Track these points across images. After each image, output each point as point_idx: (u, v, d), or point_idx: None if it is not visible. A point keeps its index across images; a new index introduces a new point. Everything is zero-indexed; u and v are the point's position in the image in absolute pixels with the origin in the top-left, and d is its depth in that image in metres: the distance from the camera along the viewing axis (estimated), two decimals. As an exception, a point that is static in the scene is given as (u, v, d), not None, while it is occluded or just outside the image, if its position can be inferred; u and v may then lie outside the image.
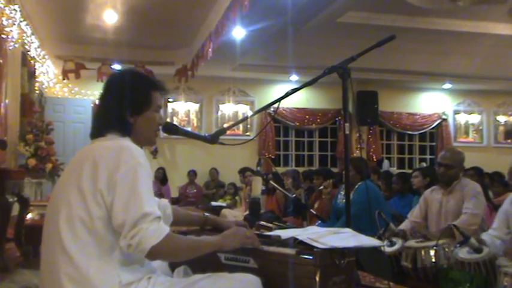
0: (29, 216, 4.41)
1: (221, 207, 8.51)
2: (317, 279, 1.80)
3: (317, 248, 1.86)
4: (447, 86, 12.06)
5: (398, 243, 3.54)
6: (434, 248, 3.28)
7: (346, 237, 2.01)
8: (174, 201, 9.93)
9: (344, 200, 5.01)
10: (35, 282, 2.40)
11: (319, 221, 4.63)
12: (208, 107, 11.61)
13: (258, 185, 2.32)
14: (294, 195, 2.92)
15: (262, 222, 3.74)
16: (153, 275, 1.83)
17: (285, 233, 2.08)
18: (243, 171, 8.41)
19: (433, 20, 7.53)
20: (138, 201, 1.68)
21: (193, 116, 11.53)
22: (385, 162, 11.61)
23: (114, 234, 1.71)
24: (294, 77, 11.32)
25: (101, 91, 1.96)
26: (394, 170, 10.51)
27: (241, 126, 11.55)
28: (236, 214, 7.44)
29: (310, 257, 1.84)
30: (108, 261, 1.72)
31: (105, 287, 1.68)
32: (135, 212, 1.66)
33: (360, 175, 4.71)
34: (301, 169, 10.30)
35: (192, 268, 2.08)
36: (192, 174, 10.76)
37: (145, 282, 1.77)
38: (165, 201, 2.30)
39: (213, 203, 9.18)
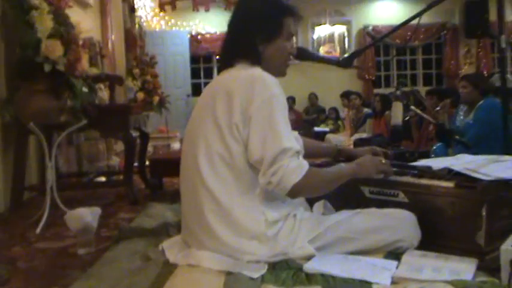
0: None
1: (324, 133, 8.36)
2: (483, 214, 1.61)
3: (479, 179, 1.66)
4: None
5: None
6: None
7: (511, 166, 1.78)
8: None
9: (464, 122, 4.65)
10: (170, 216, 2.41)
11: (438, 144, 4.35)
12: (304, 30, 11.19)
13: (398, 111, 2.11)
14: (439, 121, 2.67)
15: (377, 148, 3.51)
16: (298, 212, 1.73)
17: (435, 163, 1.89)
18: (346, 95, 8.10)
19: None
20: (276, 136, 1.56)
21: (288, 40, 11.21)
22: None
23: (254, 170, 1.62)
24: (394, -8, 10.57)
25: (230, 17, 1.81)
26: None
27: (338, 47, 11.10)
28: (341, 139, 7.27)
29: (474, 190, 1.65)
30: (251, 199, 1.64)
31: (251, 224, 1.62)
32: (274, 148, 1.54)
33: (478, 91, 4.33)
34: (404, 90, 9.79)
35: (332, 202, 1.97)
36: (291, 101, 10.62)
37: (292, 220, 1.68)
38: (295, 133, 2.18)
39: (316, 129, 9.05)
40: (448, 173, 1.79)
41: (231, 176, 1.63)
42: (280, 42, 1.77)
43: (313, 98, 10.82)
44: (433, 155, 4.14)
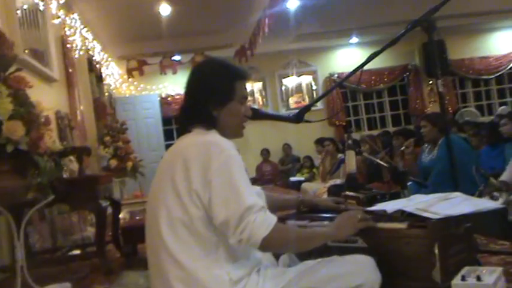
0: (120, 216, 4.53)
1: (300, 182, 8.45)
2: (436, 251, 1.68)
3: (430, 218, 1.74)
4: (520, 20, 11.28)
5: (502, 197, 3.32)
6: (543, 198, 3.04)
7: (459, 203, 1.87)
8: (251, 182, 9.97)
9: (429, 158, 4.80)
10: (143, 284, 2.42)
11: (409, 183, 4.44)
12: (272, 83, 11.51)
13: (352, 160, 2.21)
14: (392, 164, 2.79)
15: (348, 192, 3.58)
16: (261, 267, 1.77)
17: (389, 206, 1.96)
18: (320, 141, 8.28)
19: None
20: (238, 196, 1.60)
21: (257, 95, 11.47)
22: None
23: (216, 233, 1.66)
24: (354, 39, 10.99)
25: (185, 84, 1.86)
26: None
27: (306, 97, 11.38)
28: (317, 187, 7.35)
29: (425, 229, 1.72)
30: (214, 260, 1.68)
31: (216, 286, 1.64)
32: (238, 207, 1.58)
33: (437, 129, 4.49)
34: (375, 132, 10.03)
35: (297, 254, 2.02)
36: (265, 152, 10.76)
37: (256, 276, 1.71)
38: (257, 188, 2.23)
39: (292, 178, 9.15)
40: (402, 215, 1.87)
41: (193, 240, 1.66)
42: (233, 106, 1.82)
43: (287, 148, 10.99)
44: (402, 196, 4.24)
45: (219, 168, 1.62)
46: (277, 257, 2.05)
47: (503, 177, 3.71)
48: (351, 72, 2.43)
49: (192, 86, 1.86)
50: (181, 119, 1.89)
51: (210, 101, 1.79)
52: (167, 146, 9.83)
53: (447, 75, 11.35)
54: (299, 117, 2.13)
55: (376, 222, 1.89)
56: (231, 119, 1.83)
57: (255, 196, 1.65)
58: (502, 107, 11.01)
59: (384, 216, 1.92)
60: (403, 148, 5.31)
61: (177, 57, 9.39)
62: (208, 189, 1.61)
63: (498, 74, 11.76)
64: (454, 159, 2.35)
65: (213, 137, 1.74)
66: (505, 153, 4.79)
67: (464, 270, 1.60)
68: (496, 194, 3.33)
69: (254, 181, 10.08)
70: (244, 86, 1.88)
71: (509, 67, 11.73)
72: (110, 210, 3.88)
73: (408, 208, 1.86)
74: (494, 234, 2.79)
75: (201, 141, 1.72)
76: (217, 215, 1.61)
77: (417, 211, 1.81)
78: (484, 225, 2.99)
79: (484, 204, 1.90)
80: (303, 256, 1.94)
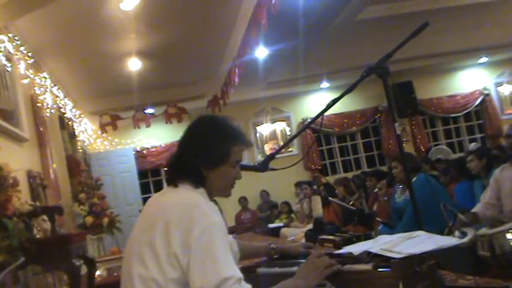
0: (97, 273, 4.45)
1: (279, 228, 8.44)
2: (401, 290, 1.71)
3: (394, 258, 1.78)
4: (483, 60, 11.73)
5: (470, 233, 3.36)
6: (511, 231, 3.10)
7: (421, 241, 1.92)
8: (231, 230, 9.93)
9: (402, 198, 4.88)
10: None
11: (382, 225, 4.50)
12: (246, 131, 11.52)
13: (318, 204, 2.26)
14: (358, 208, 2.84)
15: (325, 236, 3.62)
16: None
17: (356, 248, 2.00)
18: (299, 185, 8.35)
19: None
20: (216, 266, 1.58)
21: (233, 143, 11.54)
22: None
23: None
24: (325, 84, 11.24)
25: (181, 135, 1.87)
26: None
27: (281, 143, 11.49)
28: (296, 232, 7.34)
29: (389, 269, 1.76)
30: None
31: None
32: (215, 278, 1.56)
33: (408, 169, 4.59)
34: (350, 174, 10.15)
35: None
36: (243, 200, 10.75)
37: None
38: (230, 238, 2.24)
39: (270, 225, 9.14)
40: (368, 256, 1.90)
41: None
42: (225, 169, 1.81)
43: (264, 195, 11.00)
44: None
45: (201, 233, 1.61)
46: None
47: (475, 209, 3.79)
48: (313, 118, 2.51)
49: (187, 141, 1.85)
50: (170, 170, 1.87)
51: (202, 161, 1.79)
52: (144, 200, 9.76)
53: (417, 114, 11.63)
54: (264, 166, 2.18)
55: (343, 265, 1.92)
56: (220, 181, 1.83)
57: (233, 266, 1.63)
58: (473, 144, 11.29)
59: (350, 258, 1.95)
60: (376, 190, 5.38)
61: (150, 110, 9.47)
62: (187, 253, 1.60)
63: (466, 111, 12.12)
64: (415, 199, 2.41)
65: (199, 198, 1.73)
66: (473, 189, 4.89)
67: (428, 307, 1.63)
68: (465, 230, 3.38)
69: (233, 230, 10.03)
70: (241, 150, 1.85)
71: (475, 104, 12.12)
72: (85, 269, 3.82)
73: (374, 249, 1.89)
74: (464, 270, 2.82)
75: (185, 202, 1.71)
76: (194, 282, 1.58)
77: (382, 251, 1.85)
78: (453, 261, 3.04)
79: (446, 241, 1.95)
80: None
